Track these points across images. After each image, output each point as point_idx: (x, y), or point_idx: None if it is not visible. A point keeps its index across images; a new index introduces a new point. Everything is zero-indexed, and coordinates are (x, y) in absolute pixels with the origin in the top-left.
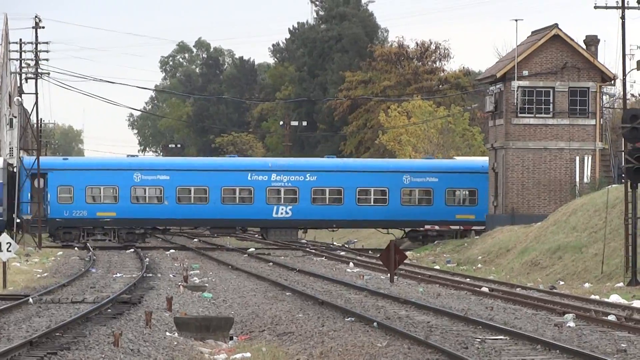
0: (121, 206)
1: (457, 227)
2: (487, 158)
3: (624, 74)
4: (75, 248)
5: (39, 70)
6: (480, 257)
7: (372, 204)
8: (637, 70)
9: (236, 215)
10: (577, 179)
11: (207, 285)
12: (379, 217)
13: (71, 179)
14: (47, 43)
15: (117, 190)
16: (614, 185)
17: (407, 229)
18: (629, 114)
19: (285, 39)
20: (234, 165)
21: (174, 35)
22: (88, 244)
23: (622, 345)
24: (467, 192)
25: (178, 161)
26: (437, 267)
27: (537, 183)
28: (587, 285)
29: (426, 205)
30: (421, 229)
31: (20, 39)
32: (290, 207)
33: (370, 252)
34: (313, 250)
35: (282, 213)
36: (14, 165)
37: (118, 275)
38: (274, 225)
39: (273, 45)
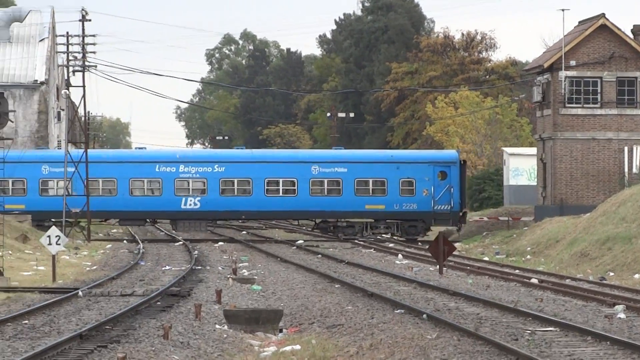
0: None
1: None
2: (395, 151)
3: None
4: (125, 241)
5: (86, 63)
6: (529, 249)
7: (281, 194)
8: None
9: (145, 207)
10: (626, 169)
11: (256, 277)
12: (288, 208)
13: None
14: (94, 36)
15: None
16: None
17: (317, 220)
18: None
19: (332, 30)
20: (142, 157)
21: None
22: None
23: None
24: (376, 182)
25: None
26: (486, 258)
27: (585, 174)
28: (637, 276)
29: (335, 195)
30: (331, 220)
31: (68, 32)
32: (198, 198)
33: (419, 243)
34: (362, 242)
35: (190, 204)
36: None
37: (167, 267)
38: (183, 216)
39: (320, 36)
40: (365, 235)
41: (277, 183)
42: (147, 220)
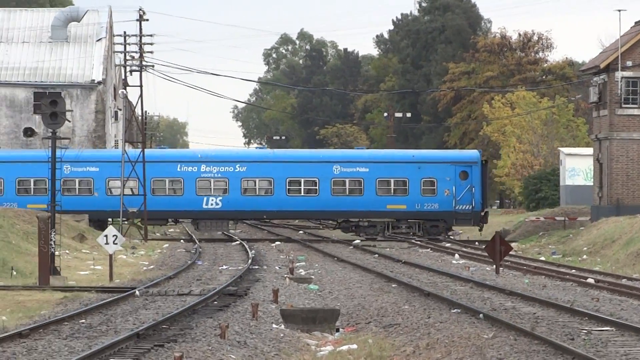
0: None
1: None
2: (416, 150)
3: None
4: (182, 240)
5: (144, 63)
6: (585, 249)
7: (302, 194)
8: None
9: (166, 207)
10: None
11: (313, 277)
12: (309, 208)
13: None
14: (151, 35)
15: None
16: None
17: (339, 220)
18: None
19: (389, 31)
20: (163, 156)
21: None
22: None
23: None
24: (397, 182)
25: (107, 153)
26: (542, 258)
27: None
28: None
29: (357, 195)
30: (353, 219)
31: (125, 32)
32: (220, 198)
33: (476, 243)
34: (419, 242)
35: (212, 204)
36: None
37: (224, 267)
38: (204, 216)
39: (377, 36)
40: (386, 235)
41: (299, 183)
42: (169, 220)
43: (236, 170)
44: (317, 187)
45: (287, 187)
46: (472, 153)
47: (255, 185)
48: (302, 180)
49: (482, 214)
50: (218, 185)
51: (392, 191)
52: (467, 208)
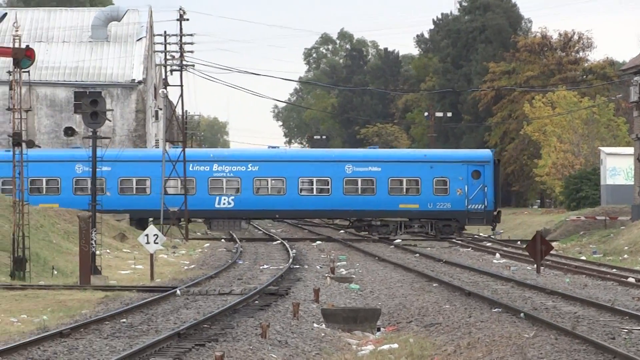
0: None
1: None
2: (428, 150)
3: None
4: (222, 240)
5: (184, 62)
6: (626, 248)
7: (315, 193)
8: None
9: (178, 206)
10: None
11: (354, 276)
12: (322, 207)
13: None
14: (191, 35)
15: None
16: None
17: (351, 219)
18: None
19: (430, 30)
20: (175, 156)
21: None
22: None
23: None
24: (410, 182)
25: (118, 152)
26: (583, 257)
27: None
28: None
29: (369, 194)
30: (366, 219)
31: (165, 32)
32: (232, 197)
33: (519, 242)
34: (459, 242)
35: (224, 203)
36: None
37: (265, 266)
38: (216, 215)
39: (417, 36)
40: (398, 235)
41: (311, 182)
42: (181, 219)
43: (248, 170)
44: (329, 187)
45: (300, 186)
46: (484, 152)
47: (267, 185)
48: (315, 179)
49: (495, 213)
50: (230, 185)
51: (405, 190)
52: (479, 207)
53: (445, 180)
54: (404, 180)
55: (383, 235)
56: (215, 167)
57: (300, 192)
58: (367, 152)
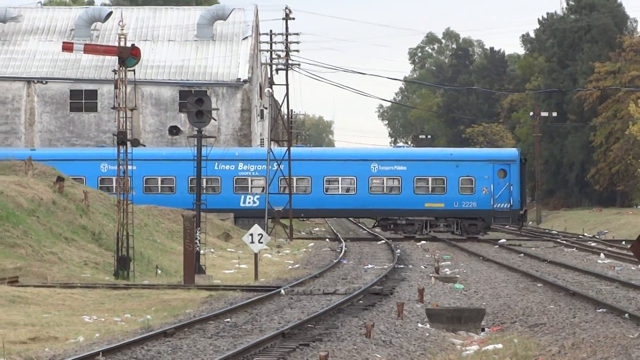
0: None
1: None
2: (454, 149)
3: None
4: (327, 239)
5: (290, 62)
6: None
7: (340, 192)
8: None
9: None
10: None
11: (458, 276)
12: (347, 206)
13: None
14: (297, 34)
15: None
16: None
17: (377, 218)
18: None
19: (535, 30)
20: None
21: (422, 26)
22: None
23: None
24: (435, 180)
25: (146, 151)
26: None
27: None
28: None
29: (395, 193)
30: (391, 217)
31: (271, 31)
32: (257, 196)
33: (624, 242)
34: (564, 242)
35: (249, 202)
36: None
37: (369, 266)
38: (242, 214)
39: (523, 35)
40: (424, 234)
41: (337, 181)
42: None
43: (274, 169)
44: (355, 186)
45: (325, 185)
46: (510, 151)
47: (293, 184)
48: (340, 178)
49: (522, 212)
50: (256, 184)
51: (430, 189)
52: (505, 206)
53: (471, 179)
54: (430, 179)
55: (409, 234)
56: (240, 166)
57: (326, 191)
58: (392, 151)
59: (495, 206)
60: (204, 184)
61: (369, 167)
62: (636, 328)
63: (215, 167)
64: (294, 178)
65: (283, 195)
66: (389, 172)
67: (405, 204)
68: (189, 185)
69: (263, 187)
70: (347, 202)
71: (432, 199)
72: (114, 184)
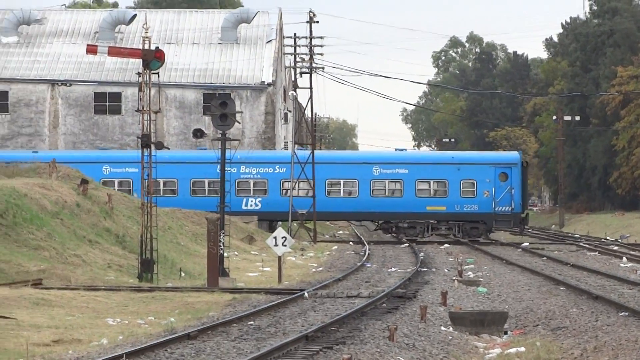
0: None
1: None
2: (455, 152)
3: None
4: (350, 242)
5: (314, 65)
6: None
7: (342, 195)
8: None
9: (205, 207)
10: None
11: (481, 279)
12: (349, 209)
13: None
14: (321, 37)
15: None
16: None
17: (379, 221)
18: None
19: (559, 34)
20: (202, 157)
21: (446, 29)
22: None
23: None
24: (437, 184)
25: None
26: None
27: None
28: None
29: (397, 197)
30: (393, 221)
31: (295, 34)
32: (259, 199)
33: None
34: (586, 245)
35: (251, 205)
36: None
37: (393, 269)
38: (244, 217)
39: (546, 39)
40: (426, 237)
41: (339, 184)
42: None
43: (276, 172)
44: (356, 189)
45: (327, 188)
46: (512, 155)
47: (295, 187)
48: (342, 181)
49: (523, 215)
50: (258, 187)
51: (432, 192)
52: (506, 210)
53: (473, 183)
54: (431, 182)
55: (411, 237)
56: (242, 168)
57: (328, 194)
58: (394, 154)
59: (496, 209)
60: (207, 187)
61: (371, 170)
62: None
63: (218, 170)
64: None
65: (283, 198)
66: (390, 175)
67: (407, 207)
68: (191, 187)
69: (265, 190)
70: (348, 205)
71: (433, 202)
72: (116, 187)
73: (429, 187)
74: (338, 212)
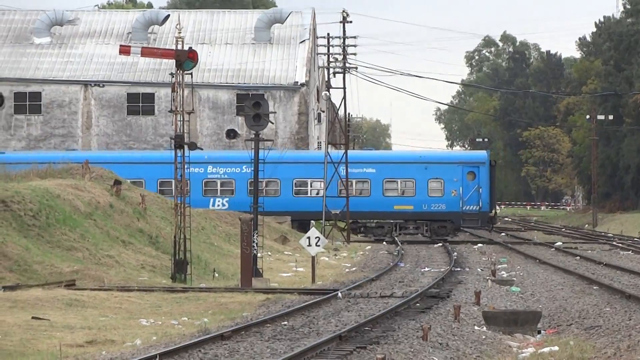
0: None
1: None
2: (423, 151)
3: None
4: (384, 242)
5: (347, 65)
6: None
7: (309, 195)
8: None
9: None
10: None
11: (514, 279)
12: (316, 209)
13: None
14: (354, 37)
15: None
16: None
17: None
18: None
19: (592, 33)
20: (167, 157)
21: (479, 29)
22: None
23: None
24: (404, 183)
25: (120, 154)
26: None
27: None
28: None
29: (364, 196)
30: (361, 220)
31: (328, 34)
32: (226, 199)
33: None
34: (620, 245)
35: (218, 205)
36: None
37: (426, 269)
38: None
39: (579, 39)
40: (394, 236)
41: (306, 184)
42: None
43: (243, 172)
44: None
45: (294, 187)
46: (479, 153)
47: (261, 187)
48: (309, 181)
49: (491, 214)
50: (225, 187)
51: (400, 192)
52: (474, 209)
53: (440, 182)
54: (399, 181)
55: (379, 237)
56: (209, 168)
57: (295, 194)
58: (361, 154)
59: (464, 208)
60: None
61: (338, 169)
62: None
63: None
64: (263, 181)
65: (250, 198)
66: (358, 175)
67: (374, 206)
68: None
69: (232, 190)
70: (317, 205)
71: (401, 202)
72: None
73: (397, 186)
74: (306, 212)
